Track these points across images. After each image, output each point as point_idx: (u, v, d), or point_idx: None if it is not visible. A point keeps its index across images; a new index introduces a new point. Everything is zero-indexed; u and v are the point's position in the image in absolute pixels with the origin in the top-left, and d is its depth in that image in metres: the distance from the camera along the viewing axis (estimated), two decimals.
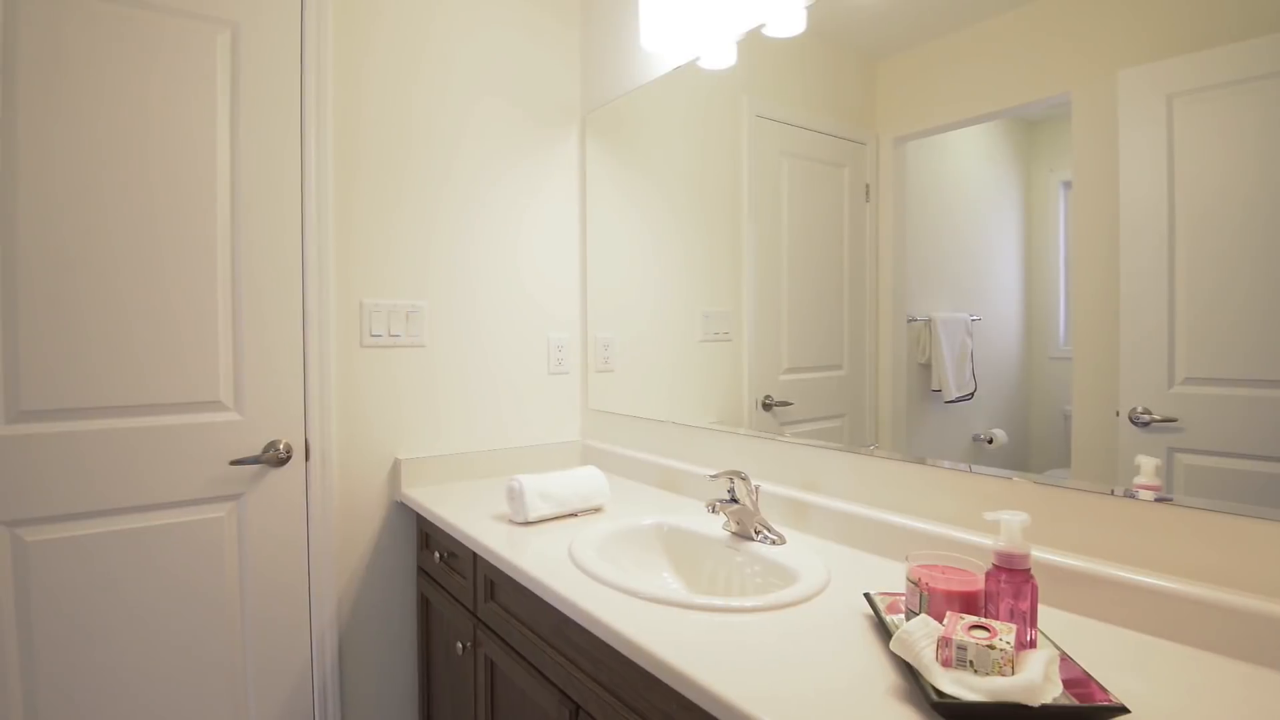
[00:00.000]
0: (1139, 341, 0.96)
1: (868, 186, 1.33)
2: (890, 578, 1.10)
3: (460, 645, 1.42)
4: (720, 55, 1.58)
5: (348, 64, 1.67)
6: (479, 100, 1.85)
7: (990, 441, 1.15)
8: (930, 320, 1.24)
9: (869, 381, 1.33)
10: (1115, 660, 0.83)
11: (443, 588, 1.58)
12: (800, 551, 1.19)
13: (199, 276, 1.49)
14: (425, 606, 1.71)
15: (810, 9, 1.38)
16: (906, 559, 0.91)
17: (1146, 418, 0.96)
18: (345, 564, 1.69)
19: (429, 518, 1.56)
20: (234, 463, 1.50)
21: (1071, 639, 0.89)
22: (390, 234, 1.73)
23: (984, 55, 1.13)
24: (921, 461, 1.20)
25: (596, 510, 1.51)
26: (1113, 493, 0.96)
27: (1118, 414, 0.98)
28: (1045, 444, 1.09)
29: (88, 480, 1.39)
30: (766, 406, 1.52)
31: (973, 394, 1.18)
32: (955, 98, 1.17)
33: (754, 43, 1.52)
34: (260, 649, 1.57)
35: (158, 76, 1.44)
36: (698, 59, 1.64)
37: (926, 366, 1.24)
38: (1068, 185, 1.06)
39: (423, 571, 1.71)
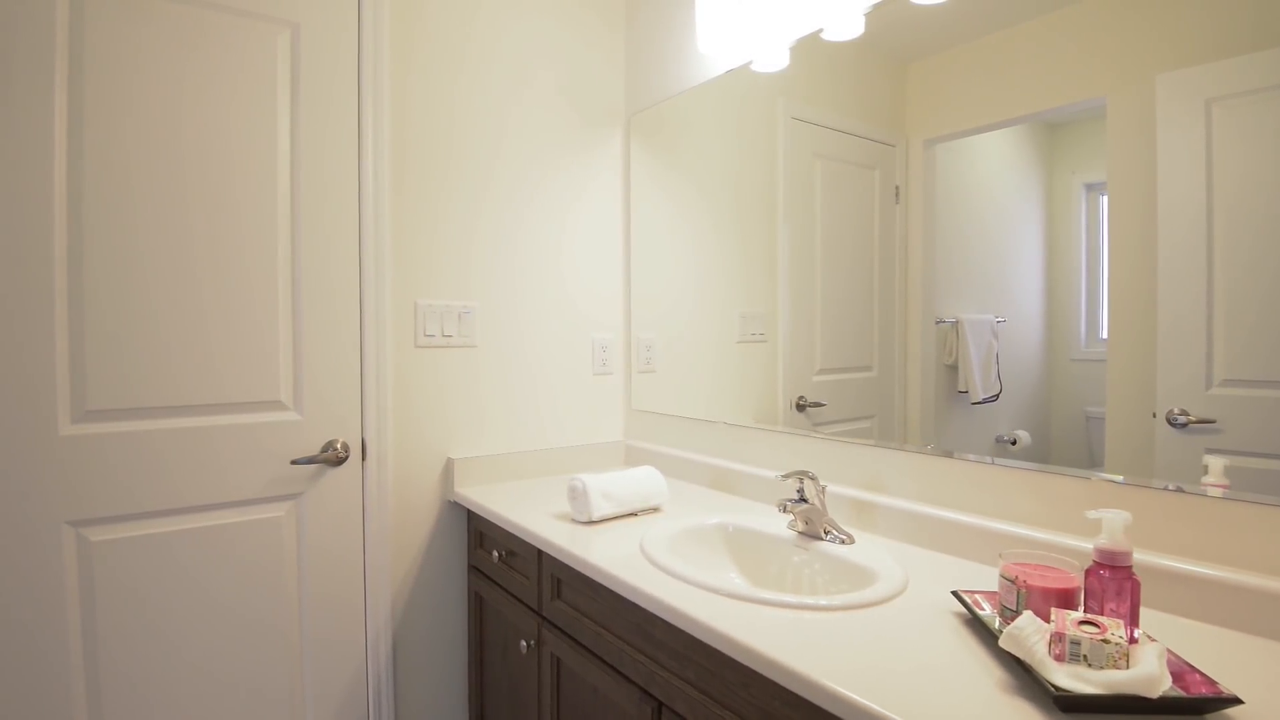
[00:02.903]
0: (1176, 343, 0.97)
1: (897, 188, 1.34)
2: (965, 576, 1.12)
3: (525, 644, 1.43)
4: (774, 59, 1.60)
5: (398, 64, 1.68)
6: (522, 100, 1.86)
7: (1014, 443, 1.17)
8: (958, 322, 1.25)
9: (898, 382, 1.35)
10: (1206, 655, 0.84)
11: (501, 587, 1.59)
12: (870, 550, 1.20)
13: (259, 277, 1.50)
14: (479, 605, 1.72)
15: (869, 15, 1.40)
16: (1000, 557, 0.93)
17: (1184, 419, 0.97)
18: (400, 563, 1.69)
19: (489, 518, 1.56)
20: (294, 462, 1.51)
21: (1155, 634, 0.90)
22: (439, 234, 1.74)
23: (1016, 59, 1.14)
24: (1001, 463, 1.21)
25: (655, 510, 1.52)
26: (1202, 491, 0.97)
27: (1154, 415, 0.99)
28: (1067, 445, 1.10)
29: (151, 480, 1.40)
30: (800, 407, 1.54)
31: (998, 395, 1.20)
32: (987, 101, 1.18)
33: (800, 46, 1.53)
34: (318, 647, 1.58)
35: (220, 76, 1.45)
36: (750, 63, 1.65)
37: (953, 368, 1.26)
38: (1090, 188, 1.07)
39: (476, 570, 1.72)
